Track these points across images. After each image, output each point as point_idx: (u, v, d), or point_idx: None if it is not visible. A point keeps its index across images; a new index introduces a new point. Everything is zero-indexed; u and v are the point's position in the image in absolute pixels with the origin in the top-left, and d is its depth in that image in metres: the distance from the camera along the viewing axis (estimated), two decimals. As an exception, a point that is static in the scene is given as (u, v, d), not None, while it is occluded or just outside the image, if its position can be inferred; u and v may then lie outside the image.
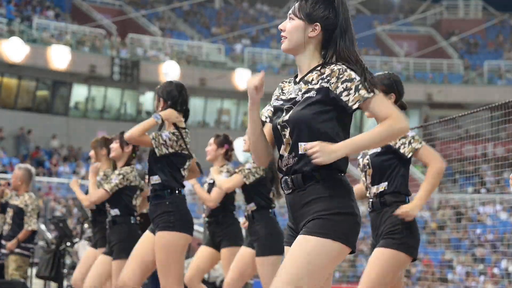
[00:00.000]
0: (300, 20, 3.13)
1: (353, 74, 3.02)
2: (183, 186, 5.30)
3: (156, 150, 5.21)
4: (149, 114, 28.62)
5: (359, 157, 4.57)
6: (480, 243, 21.37)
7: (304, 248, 2.96)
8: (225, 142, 6.65)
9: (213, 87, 30.19)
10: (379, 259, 4.31)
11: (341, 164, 3.07)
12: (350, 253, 3.04)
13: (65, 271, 9.68)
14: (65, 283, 9.81)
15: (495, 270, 19.02)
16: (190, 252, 11.28)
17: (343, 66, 3.05)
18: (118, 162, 6.43)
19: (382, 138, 3.01)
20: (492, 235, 21.55)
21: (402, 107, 4.50)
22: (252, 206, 6.09)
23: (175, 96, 5.33)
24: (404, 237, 4.32)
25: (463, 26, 38.33)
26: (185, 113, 5.39)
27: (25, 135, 26.60)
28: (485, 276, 19.04)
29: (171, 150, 5.22)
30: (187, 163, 5.35)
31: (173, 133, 5.23)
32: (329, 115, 3.04)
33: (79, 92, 29.37)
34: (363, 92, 3.00)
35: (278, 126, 3.12)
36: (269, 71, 31.75)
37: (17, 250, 8.15)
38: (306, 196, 3.05)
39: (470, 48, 38.17)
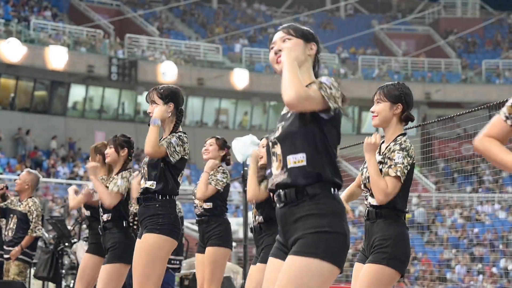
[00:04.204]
0: (298, 39, 3.20)
1: (328, 83, 3.07)
2: (177, 193, 5.23)
3: (171, 158, 5.10)
4: (146, 114, 28.55)
5: (362, 167, 4.50)
6: (478, 242, 21.37)
7: (293, 270, 2.95)
8: (225, 146, 6.78)
9: (211, 87, 30.17)
10: (368, 274, 4.21)
11: (333, 178, 3.07)
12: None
13: (63, 271, 9.66)
14: (63, 283, 9.79)
15: (494, 269, 19.02)
16: (188, 252, 11.26)
17: (328, 81, 3.09)
18: (114, 167, 6.29)
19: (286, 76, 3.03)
20: (490, 234, 21.55)
21: (409, 118, 4.48)
22: (261, 219, 6.07)
23: (179, 98, 5.22)
24: (395, 251, 4.21)
25: (461, 25, 38.34)
26: (180, 115, 5.29)
27: (23, 135, 26.57)
28: (484, 275, 19.03)
29: (179, 156, 5.14)
30: (183, 170, 5.29)
31: (179, 137, 5.15)
32: (311, 128, 3.06)
33: (77, 92, 29.35)
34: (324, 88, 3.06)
35: (270, 143, 3.16)
36: (267, 70, 31.74)
37: (20, 256, 8.08)
38: (298, 211, 3.04)
39: (468, 47, 38.17)
